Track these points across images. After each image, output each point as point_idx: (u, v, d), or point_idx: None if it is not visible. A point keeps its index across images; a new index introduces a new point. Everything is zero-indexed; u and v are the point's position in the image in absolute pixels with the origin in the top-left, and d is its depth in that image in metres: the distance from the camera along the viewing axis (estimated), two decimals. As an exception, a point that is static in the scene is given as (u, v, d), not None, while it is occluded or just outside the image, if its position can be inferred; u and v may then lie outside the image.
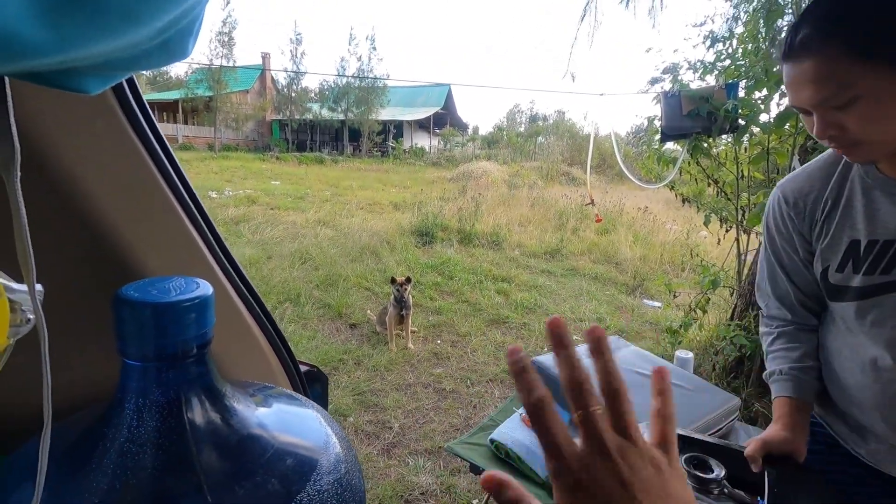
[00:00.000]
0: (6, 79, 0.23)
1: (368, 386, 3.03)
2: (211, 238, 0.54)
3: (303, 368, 0.74)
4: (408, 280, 3.70)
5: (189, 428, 0.34)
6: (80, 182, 0.38)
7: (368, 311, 4.13)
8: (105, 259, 0.42)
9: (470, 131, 40.97)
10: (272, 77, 29.91)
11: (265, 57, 29.37)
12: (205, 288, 0.35)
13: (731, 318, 3.03)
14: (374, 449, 2.46)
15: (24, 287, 0.26)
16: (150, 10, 0.17)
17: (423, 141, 31.52)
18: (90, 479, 0.32)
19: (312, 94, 31.14)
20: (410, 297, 3.64)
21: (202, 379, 0.36)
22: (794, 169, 2.35)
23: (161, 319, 0.33)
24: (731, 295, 3.16)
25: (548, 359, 1.71)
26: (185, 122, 26.30)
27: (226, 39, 23.88)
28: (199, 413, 0.35)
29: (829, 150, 0.87)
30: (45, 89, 0.20)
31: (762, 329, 1.03)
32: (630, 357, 1.93)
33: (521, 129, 39.93)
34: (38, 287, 0.26)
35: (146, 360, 0.33)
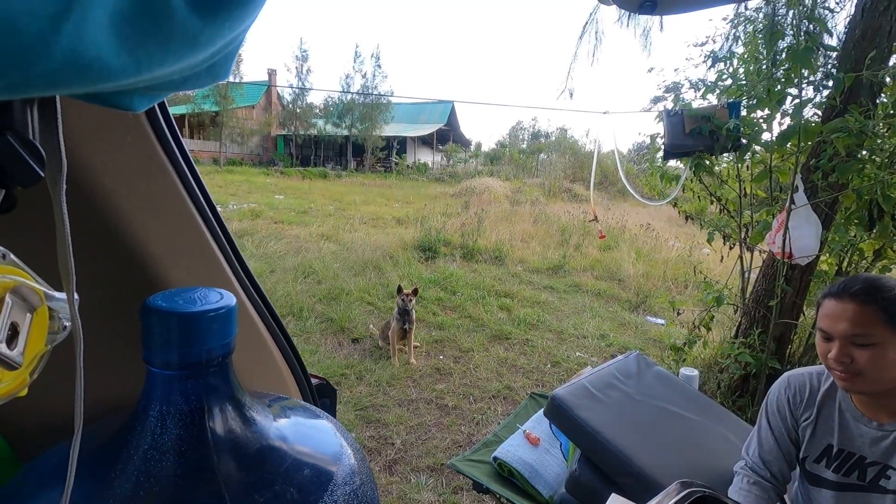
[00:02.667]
0: (57, 95, 0.24)
1: (370, 401, 3.01)
2: (230, 251, 0.56)
3: (314, 382, 0.75)
4: (415, 291, 3.70)
5: (211, 437, 0.34)
6: (111, 195, 0.39)
7: (371, 326, 4.12)
8: (131, 270, 0.43)
9: (472, 147, 41.28)
10: (278, 93, 30.32)
11: (271, 73, 29.82)
12: (228, 299, 0.36)
13: (736, 336, 3.01)
14: (376, 465, 2.44)
15: (62, 295, 0.27)
16: (210, 35, 0.18)
17: (426, 157, 31.77)
18: (114, 485, 0.32)
19: (317, 110, 31.51)
20: (414, 310, 3.64)
21: (224, 388, 0.36)
22: (798, 188, 2.36)
23: (187, 329, 0.33)
24: (735, 312, 3.15)
25: (569, 392, 1.69)
26: (192, 137, 26.58)
27: (233, 56, 24.28)
28: (220, 422, 0.35)
29: (824, 371, 1.17)
30: (80, 103, 0.21)
31: (740, 470, 1.27)
32: (657, 384, 1.88)
33: (524, 146, 40.20)
34: (76, 296, 0.27)
35: (170, 369, 0.34)
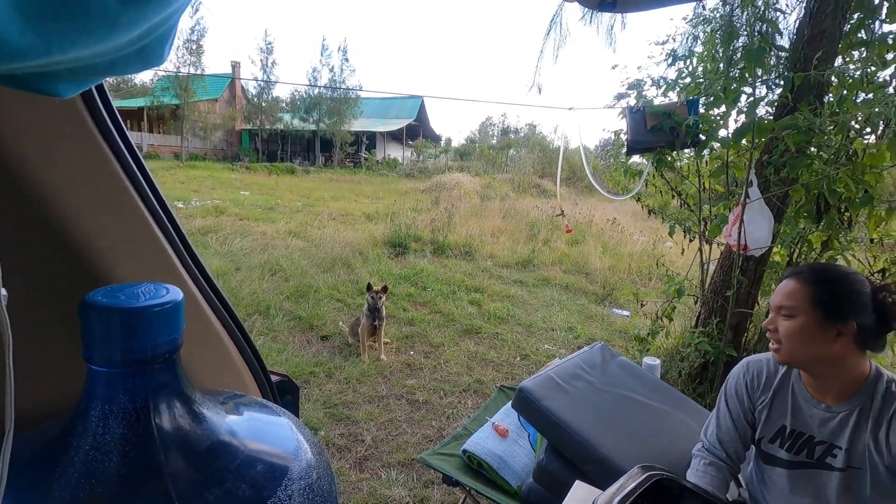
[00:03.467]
0: None
1: (340, 399, 2.99)
2: (181, 246, 0.54)
3: (274, 378, 0.73)
4: (384, 289, 3.68)
5: (157, 435, 0.33)
6: (47, 187, 0.37)
7: (340, 323, 4.08)
8: (72, 266, 0.41)
9: (443, 143, 41.24)
10: (242, 86, 29.46)
11: (235, 66, 28.95)
12: (174, 293, 0.35)
13: (696, 326, 3.13)
14: (347, 463, 2.42)
15: (-13, 291, 0.26)
16: (132, 16, 0.17)
17: (395, 152, 31.55)
18: (52, 489, 0.31)
19: (283, 104, 30.78)
20: (384, 307, 3.62)
21: (171, 386, 0.35)
22: (752, 183, 2.46)
23: (129, 325, 0.32)
24: (695, 303, 3.26)
25: (536, 384, 1.71)
26: (151, 131, 25.57)
27: (194, 47, 23.42)
28: (167, 420, 0.34)
29: None
30: (11, 91, 0.20)
31: (698, 452, 1.33)
32: (620, 374, 1.94)
33: (493, 142, 40.42)
34: (3, 292, 0.26)
35: (112, 367, 0.33)
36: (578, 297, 5.51)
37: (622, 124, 3.14)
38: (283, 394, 0.74)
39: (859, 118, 2.40)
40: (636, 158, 3.67)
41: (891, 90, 2.35)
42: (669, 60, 3.13)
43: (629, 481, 0.78)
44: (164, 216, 0.50)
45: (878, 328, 1.06)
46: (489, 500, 1.80)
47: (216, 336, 0.56)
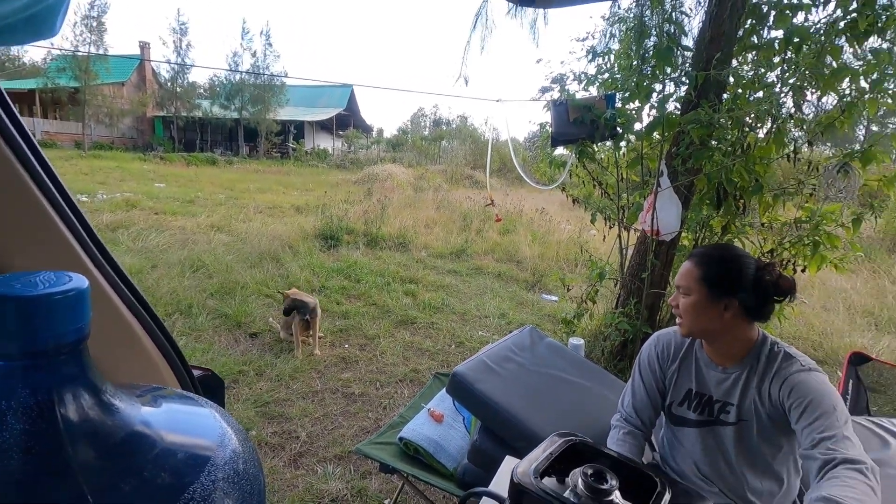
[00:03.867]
0: None
1: (272, 396, 2.90)
2: (86, 237, 0.51)
3: (197, 373, 0.71)
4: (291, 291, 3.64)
5: (64, 429, 0.32)
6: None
7: (271, 319, 3.94)
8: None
9: (374, 134, 40.62)
10: (153, 69, 27.14)
11: (143, 46, 26.57)
12: (78, 281, 0.33)
13: (616, 307, 3.35)
14: (281, 461, 2.36)
15: None
16: None
17: (325, 142, 30.61)
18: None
19: (202, 90, 28.78)
20: (312, 300, 3.53)
21: (78, 378, 0.34)
22: (662, 173, 2.66)
23: (26, 315, 0.30)
24: (616, 286, 3.49)
25: (469, 368, 1.76)
26: (45, 116, 22.98)
27: (94, 24, 21.23)
28: (75, 413, 0.33)
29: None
30: None
31: (615, 422, 1.44)
32: (548, 354, 2.04)
33: (426, 133, 40.43)
34: None
35: (10, 360, 0.31)
36: (510, 285, 5.70)
37: (547, 117, 3.27)
38: (208, 389, 0.72)
39: (752, 115, 2.67)
40: (561, 150, 3.84)
41: (777, 90, 2.63)
42: (589, 56, 3.29)
43: (547, 447, 0.84)
44: (65, 206, 0.47)
45: (760, 302, 1.20)
46: (426, 485, 1.83)
47: (129, 330, 0.53)
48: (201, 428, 0.41)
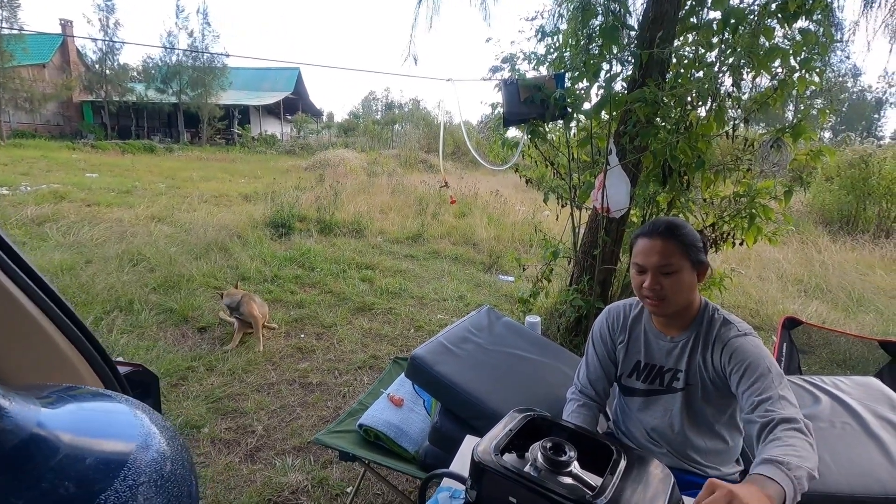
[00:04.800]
0: None
1: (225, 391, 2.79)
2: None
3: (125, 370, 0.65)
4: (235, 286, 3.53)
5: None
6: None
7: (221, 313, 3.78)
8: None
9: (325, 118, 39.48)
10: (77, 50, 25.05)
11: (65, 25, 24.44)
12: None
13: (570, 284, 3.43)
14: (236, 457, 2.28)
15: None
16: None
17: (273, 128, 29.46)
18: None
19: (135, 73, 26.89)
20: (250, 300, 3.41)
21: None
22: (611, 151, 2.71)
23: None
24: (569, 264, 3.57)
25: (427, 351, 1.73)
26: (-47, 102, 20.83)
27: (5, 0, 19.30)
28: None
29: (636, 301, 1.40)
30: None
31: (571, 395, 1.46)
32: (505, 333, 2.05)
33: (378, 117, 39.68)
34: None
35: None
36: (467, 267, 5.72)
37: (499, 97, 3.25)
38: (138, 386, 0.66)
39: (693, 94, 2.76)
40: (513, 131, 3.85)
41: (716, 69, 2.72)
42: (539, 36, 3.29)
43: (507, 423, 0.83)
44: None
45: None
46: (388, 470, 1.82)
47: (33, 325, 0.47)
48: (118, 428, 0.37)
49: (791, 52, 2.53)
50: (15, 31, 19.30)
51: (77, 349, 0.51)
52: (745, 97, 2.84)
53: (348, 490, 2.09)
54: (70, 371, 0.50)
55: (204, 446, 2.34)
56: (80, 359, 0.51)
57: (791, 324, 2.54)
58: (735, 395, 1.18)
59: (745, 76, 2.75)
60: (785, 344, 2.48)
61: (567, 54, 3.18)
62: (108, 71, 23.76)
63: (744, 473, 1.35)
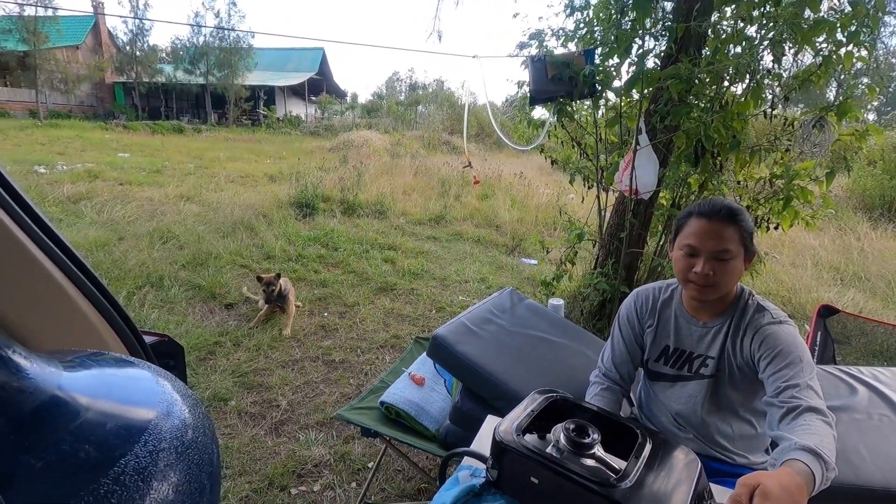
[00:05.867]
0: None
1: (251, 366, 2.85)
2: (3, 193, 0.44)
3: (151, 340, 0.65)
4: (277, 276, 3.42)
5: None
6: None
7: (245, 289, 3.86)
8: None
9: (348, 99, 39.43)
10: (109, 31, 25.49)
11: (97, 6, 24.88)
12: None
13: (595, 268, 3.37)
14: (261, 430, 2.34)
15: None
16: None
17: (298, 109, 29.60)
18: None
19: (164, 54, 27.24)
20: (287, 290, 3.43)
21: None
22: (641, 130, 2.62)
23: None
24: (594, 247, 3.50)
25: (449, 331, 1.73)
26: (-6, 83, 21.56)
27: (41, -19, 19.69)
28: None
29: (666, 284, 1.37)
30: None
31: (594, 378, 1.42)
32: (528, 315, 2.03)
33: (402, 98, 39.39)
34: None
35: None
36: (489, 250, 5.69)
37: (525, 75, 3.17)
38: (164, 356, 0.67)
39: (731, 70, 2.63)
40: (539, 111, 3.76)
41: (756, 44, 2.59)
42: (568, 11, 3.18)
43: (529, 404, 0.82)
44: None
45: None
46: (409, 447, 1.84)
47: (61, 294, 0.47)
48: (140, 394, 0.36)
49: (839, 24, 2.38)
50: (49, 15, 19.69)
51: (103, 317, 0.51)
52: (785, 74, 2.70)
53: (370, 465, 2.13)
54: (96, 339, 0.50)
55: (231, 418, 2.41)
56: (106, 327, 0.51)
57: (826, 312, 2.45)
58: (762, 382, 1.14)
59: (786, 51, 2.60)
60: (819, 332, 2.39)
61: (598, 29, 3.06)
62: (138, 52, 24.16)
63: None
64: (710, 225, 1.15)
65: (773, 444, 1.10)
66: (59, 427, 0.29)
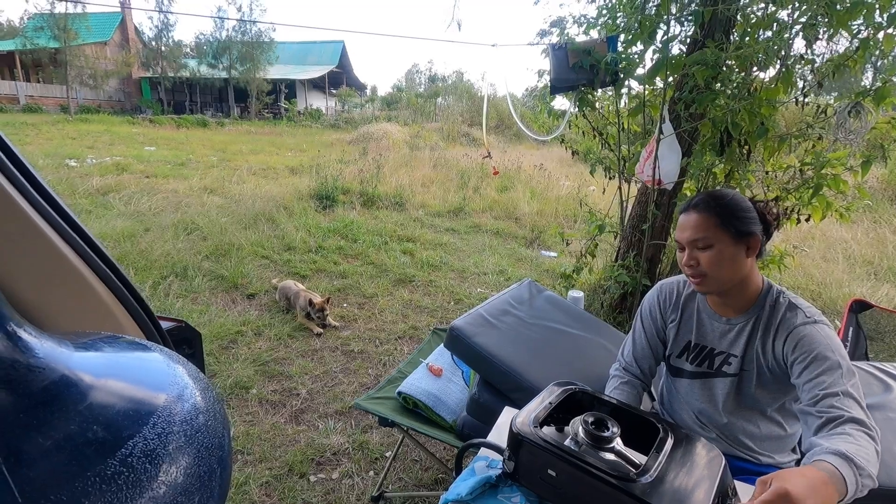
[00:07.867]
0: None
1: (271, 355, 2.90)
2: (15, 172, 0.44)
3: (168, 325, 0.66)
4: (327, 300, 3.31)
5: None
6: None
7: (274, 280, 3.91)
8: None
9: (368, 92, 39.51)
10: (136, 27, 26.02)
11: (123, 2, 25.38)
12: None
13: (616, 260, 3.31)
14: (282, 417, 2.38)
15: None
16: None
17: (318, 102, 29.78)
18: None
19: (188, 49, 27.69)
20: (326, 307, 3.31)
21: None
22: (665, 118, 2.55)
23: None
24: (615, 239, 3.44)
25: (467, 322, 1.72)
26: (28, 79, 22.21)
27: (70, -20, 20.16)
28: None
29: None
30: None
31: (614, 372, 1.40)
32: (546, 307, 2.00)
33: (421, 90, 39.28)
34: None
35: None
36: (508, 242, 5.65)
37: (546, 64, 3.12)
38: (182, 342, 0.67)
39: (760, 56, 2.54)
40: (560, 101, 3.70)
41: (788, 28, 2.48)
42: (590, -3, 3.11)
43: (546, 397, 0.80)
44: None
45: (766, 237, 1.16)
46: (426, 437, 1.84)
47: (77, 277, 0.48)
48: (151, 377, 0.36)
49: (877, 5, 2.26)
50: (78, 12, 20.16)
51: (119, 301, 0.52)
52: (818, 60, 2.59)
53: (387, 454, 2.14)
54: (112, 322, 0.51)
55: (252, 406, 2.45)
56: (122, 311, 0.52)
57: (859, 307, 2.36)
58: (794, 386, 1.09)
59: (820, 35, 2.50)
60: (851, 328, 2.30)
61: (620, 15, 2.99)
62: (163, 47, 24.61)
63: (799, 462, 1.27)
64: (687, 217, 1.18)
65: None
66: (69, 406, 0.29)
